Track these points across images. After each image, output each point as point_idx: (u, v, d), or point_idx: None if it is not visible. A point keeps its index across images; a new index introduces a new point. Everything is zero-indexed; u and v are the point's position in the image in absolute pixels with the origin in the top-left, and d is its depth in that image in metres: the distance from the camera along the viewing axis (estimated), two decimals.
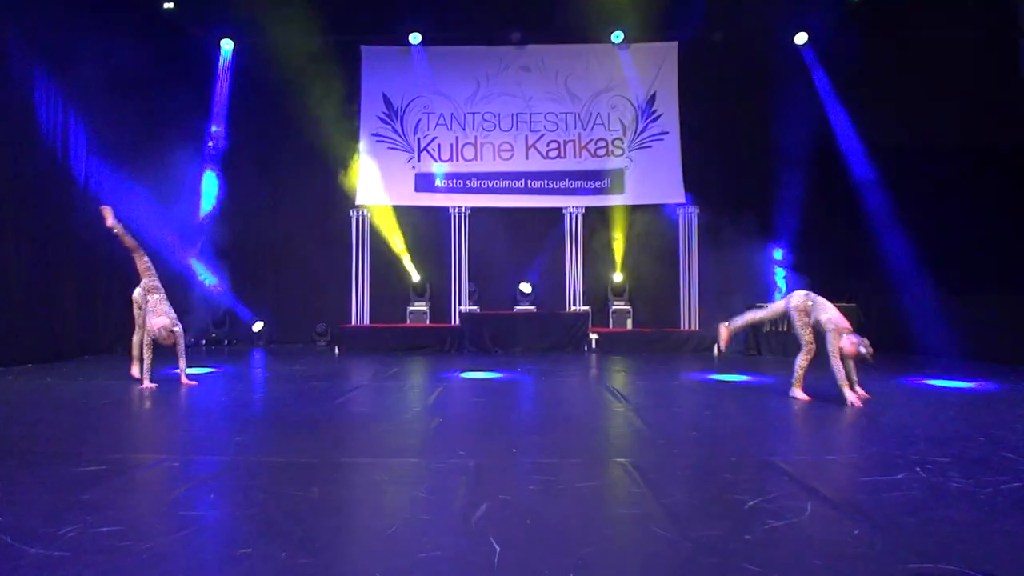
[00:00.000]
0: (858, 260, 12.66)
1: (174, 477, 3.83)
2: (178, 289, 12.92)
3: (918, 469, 3.91)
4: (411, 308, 13.68)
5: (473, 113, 14.55)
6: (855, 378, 6.58)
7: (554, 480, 3.74)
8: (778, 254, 12.86)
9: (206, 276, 13.02)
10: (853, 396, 6.29)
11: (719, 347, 7.57)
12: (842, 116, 12.74)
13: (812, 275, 12.46)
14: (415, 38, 14.14)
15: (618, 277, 13.97)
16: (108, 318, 11.61)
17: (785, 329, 11.27)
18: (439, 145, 14.55)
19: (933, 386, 7.68)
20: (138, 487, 3.65)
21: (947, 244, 10.43)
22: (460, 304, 13.67)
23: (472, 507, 3.25)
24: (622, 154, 14.40)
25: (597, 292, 14.07)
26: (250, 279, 14.25)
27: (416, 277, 14.04)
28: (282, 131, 14.02)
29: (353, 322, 13.68)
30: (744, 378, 8.69)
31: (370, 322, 13.77)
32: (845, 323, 6.53)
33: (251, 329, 14.09)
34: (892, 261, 11.63)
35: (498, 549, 2.74)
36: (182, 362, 7.64)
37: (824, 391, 7.26)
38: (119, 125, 11.19)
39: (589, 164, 14.39)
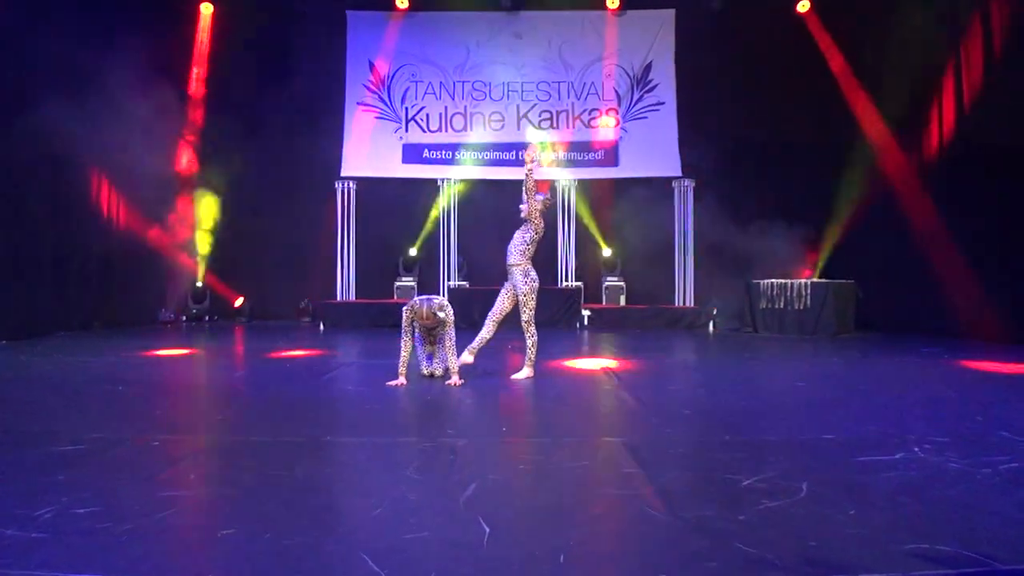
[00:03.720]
0: (859, 236, 12.67)
1: (154, 456, 3.83)
2: (153, 264, 12.90)
3: (915, 449, 3.94)
4: (398, 283, 13.66)
5: (463, 82, 14.45)
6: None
7: (544, 460, 3.75)
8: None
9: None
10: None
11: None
12: (847, 86, 12.62)
13: (812, 250, 12.52)
14: (403, 2, 14.00)
15: (611, 252, 13.97)
16: (84, 293, 11.54)
17: (782, 306, 11.30)
18: (427, 115, 14.46)
19: (930, 365, 7.73)
20: (117, 467, 3.64)
21: (952, 220, 10.44)
22: (449, 279, 13.66)
23: (461, 487, 3.26)
24: (617, 125, 14.34)
25: (590, 267, 14.08)
26: (230, 252, 14.18)
27: (413, 251, 13.99)
28: (264, 100, 13.87)
29: (338, 298, 13.66)
30: (741, 356, 8.73)
31: (356, 298, 13.75)
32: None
33: (232, 305, 14.06)
34: (894, 238, 11.64)
35: (487, 530, 2.75)
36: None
37: (822, 370, 7.32)
38: (87, 95, 11.02)
39: (583, 135, 14.33)
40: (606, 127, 13.59)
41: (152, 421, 4.75)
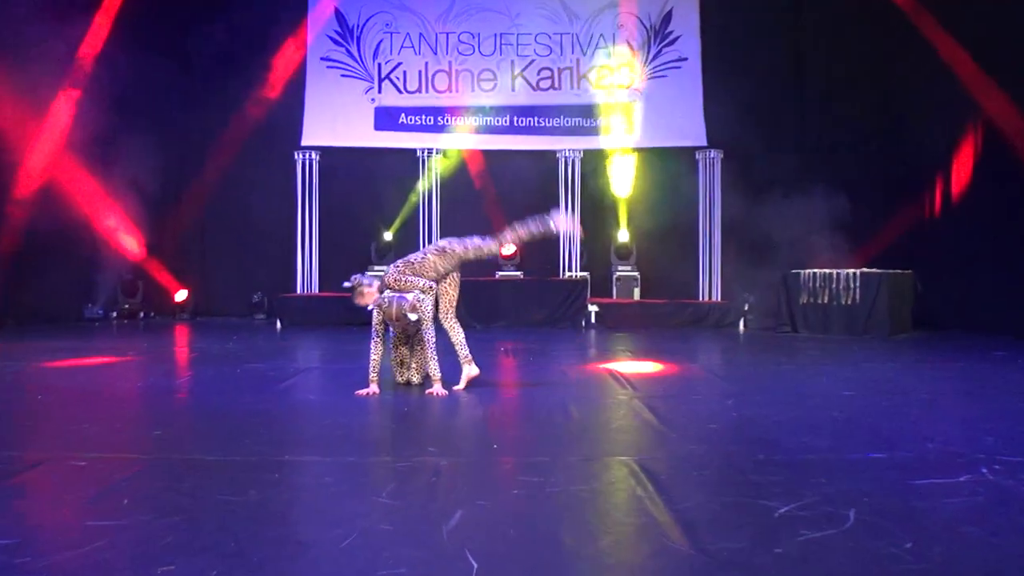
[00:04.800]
0: (918, 219, 12.68)
1: (80, 479, 3.82)
2: (76, 251, 12.82)
3: (984, 470, 3.96)
4: (370, 273, 13.58)
5: (447, 33, 14.42)
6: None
7: (543, 482, 3.76)
8: None
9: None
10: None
11: None
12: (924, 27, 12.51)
13: (859, 235, 12.52)
14: None
15: (624, 236, 13.96)
16: None
17: (826, 301, 11.31)
18: (404, 72, 14.42)
19: (1004, 371, 7.76)
20: (36, 491, 3.63)
21: None
22: None
23: (444, 515, 3.27)
24: (630, 85, 14.32)
25: (598, 255, 14.07)
26: (170, 238, 14.14)
27: (388, 235, 13.96)
28: (206, 55, 13.79)
29: (298, 290, 13.65)
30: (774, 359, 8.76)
31: (319, 291, 13.74)
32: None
33: (172, 299, 14.03)
34: (962, 222, 11.63)
35: (475, 565, 2.76)
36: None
37: (874, 377, 7.34)
38: None
39: (589, 97, 14.31)
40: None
41: (78, 437, 4.74)
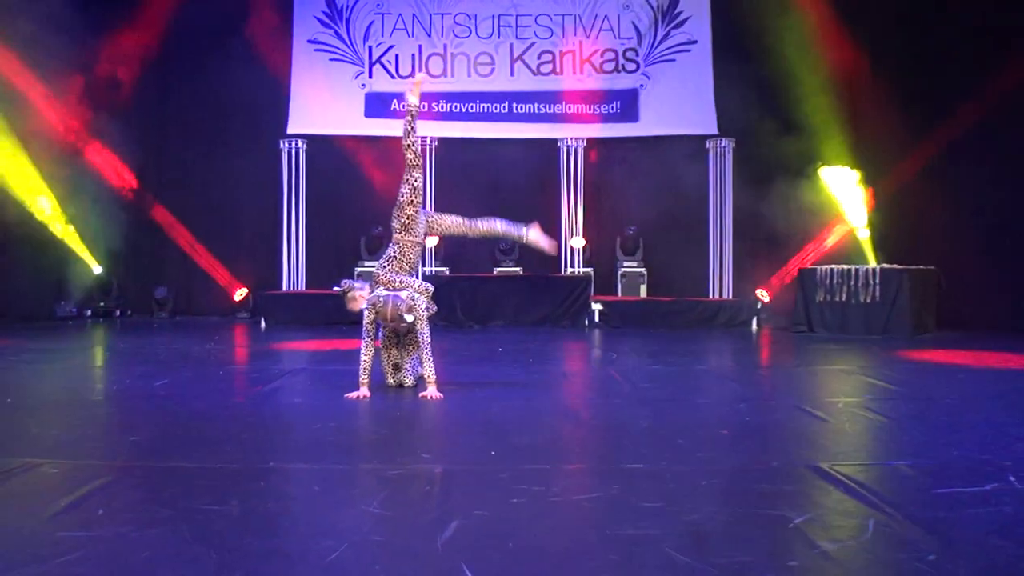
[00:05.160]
0: (943, 214, 12.66)
1: (52, 488, 3.81)
2: (48, 246, 12.81)
3: (1011, 478, 3.96)
4: (360, 269, 13.65)
5: (442, 14, 14.41)
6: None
7: (544, 491, 3.75)
8: None
9: None
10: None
11: None
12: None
13: (880, 229, 12.52)
14: None
15: (630, 230, 13.96)
16: None
17: (844, 299, 11.31)
18: (397, 56, 14.42)
19: None
20: (4, 500, 3.63)
21: None
22: (423, 263, 13.65)
23: (439, 526, 3.26)
24: (636, 70, 14.33)
25: (602, 249, 14.07)
26: (148, 231, 14.13)
27: (379, 229, 13.94)
28: (183, 37, 13.77)
29: (284, 287, 13.64)
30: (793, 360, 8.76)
31: (306, 288, 13.73)
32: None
33: (151, 297, 14.03)
34: (989, 216, 11.60)
35: None
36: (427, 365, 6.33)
37: (895, 380, 7.34)
38: None
39: (593, 82, 14.31)
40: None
41: (49, 443, 4.73)
